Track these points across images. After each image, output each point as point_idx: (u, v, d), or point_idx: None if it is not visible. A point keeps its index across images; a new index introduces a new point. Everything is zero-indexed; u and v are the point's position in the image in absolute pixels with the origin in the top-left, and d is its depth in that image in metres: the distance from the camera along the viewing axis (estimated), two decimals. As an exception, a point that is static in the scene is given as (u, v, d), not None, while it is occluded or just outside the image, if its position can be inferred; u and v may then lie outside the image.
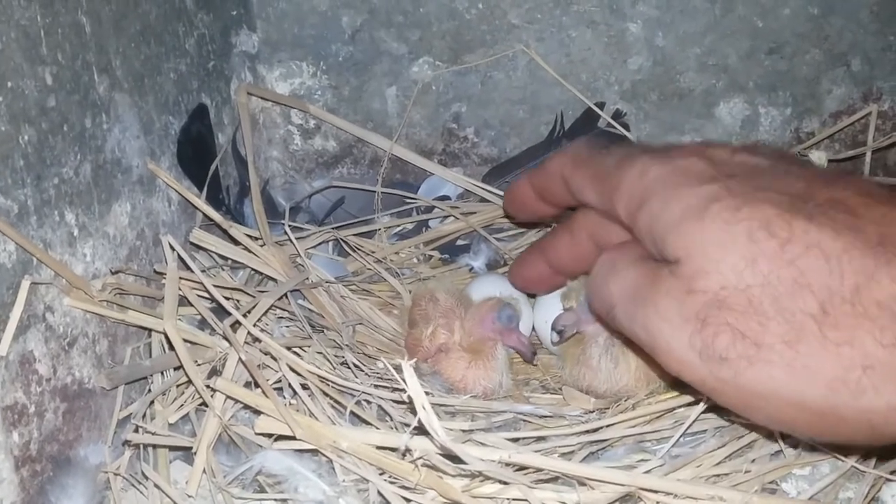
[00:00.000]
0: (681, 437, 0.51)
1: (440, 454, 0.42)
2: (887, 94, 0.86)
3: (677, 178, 0.41)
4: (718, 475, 0.48)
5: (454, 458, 0.41)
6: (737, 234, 0.36)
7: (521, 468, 0.46)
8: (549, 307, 0.69)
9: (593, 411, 0.60)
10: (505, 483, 0.44)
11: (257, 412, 0.49)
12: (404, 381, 0.34)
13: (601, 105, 0.85)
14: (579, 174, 0.51)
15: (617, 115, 0.85)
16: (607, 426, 0.53)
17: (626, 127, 0.85)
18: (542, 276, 0.64)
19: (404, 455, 0.45)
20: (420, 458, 0.43)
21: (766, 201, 0.37)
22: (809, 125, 0.86)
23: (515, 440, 0.51)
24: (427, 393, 0.61)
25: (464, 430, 0.49)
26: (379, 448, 0.46)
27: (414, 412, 0.35)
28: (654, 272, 0.40)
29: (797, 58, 0.84)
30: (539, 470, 0.46)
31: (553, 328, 0.65)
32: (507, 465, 0.44)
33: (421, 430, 0.36)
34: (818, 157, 0.54)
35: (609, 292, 0.43)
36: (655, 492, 0.45)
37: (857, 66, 0.84)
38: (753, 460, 0.50)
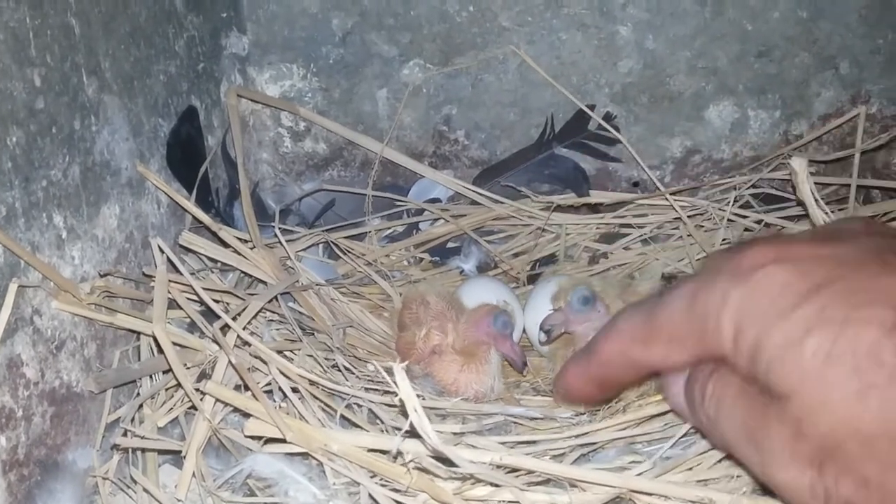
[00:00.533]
0: (671, 438, 0.51)
1: (432, 457, 0.42)
2: (875, 97, 0.86)
3: (764, 302, 0.37)
4: (709, 479, 0.48)
5: (446, 461, 0.41)
6: (841, 368, 0.33)
7: (513, 470, 0.46)
8: (540, 310, 0.69)
9: (584, 413, 0.60)
10: (496, 486, 0.44)
11: (247, 415, 0.49)
12: (396, 384, 0.34)
13: (591, 107, 0.85)
14: (654, 345, 0.44)
15: (607, 118, 0.85)
16: (598, 430, 0.53)
17: (617, 129, 0.85)
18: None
19: (396, 458, 0.45)
20: (412, 461, 0.43)
21: (867, 322, 0.33)
22: (798, 128, 0.87)
23: (507, 443, 0.51)
24: (418, 395, 0.61)
25: (455, 433, 0.49)
26: (370, 451, 0.46)
27: (405, 415, 0.34)
28: (763, 412, 0.37)
29: (786, 61, 0.84)
30: (530, 472, 0.46)
31: (541, 328, 0.65)
32: (499, 467, 0.44)
33: (412, 434, 0.35)
34: (798, 163, 0.53)
35: (721, 433, 0.41)
36: (646, 494, 0.45)
37: (846, 70, 0.85)
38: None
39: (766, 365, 0.36)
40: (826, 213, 0.55)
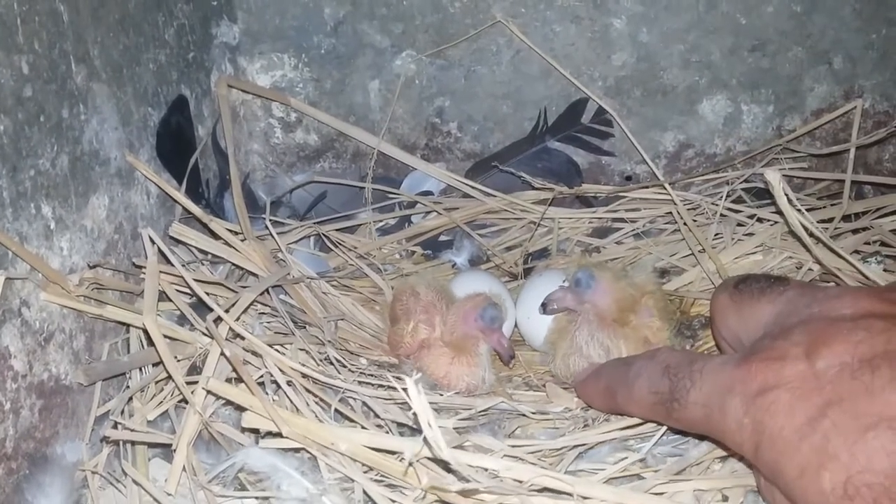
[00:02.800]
0: (663, 435, 0.51)
1: (441, 465, 0.42)
2: (868, 92, 0.86)
3: (775, 428, 0.38)
4: (709, 488, 0.48)
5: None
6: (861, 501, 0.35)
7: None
8: (532, 304, 0.69)
9: (575, 409, 0.60)
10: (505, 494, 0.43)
11: (239, 409, 0.49)
12: (409, 397, 0.33)
13: (585, 101, 0.84)
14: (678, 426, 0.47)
15: (599, 114, 0.85)
16: (595, 430, 0.53)
17: (609, 124, 0.85)
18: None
19: (409, 466, 0.44)
20: (425, 475, 0.42)
21: (876, 453, 0.35)
22: (791, 122, 0.87)
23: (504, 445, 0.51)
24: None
25: (454, 429, 0.49)
26: (377, 451, 0.45)
27: (403, 411, 0.34)
28: None
29: (780, 55, 0.84)
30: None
31: (543, 308, 0.66)
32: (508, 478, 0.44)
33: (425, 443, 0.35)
34: (773, 175, 0.52)
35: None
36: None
37: (839, 64, 0.85)
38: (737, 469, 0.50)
39: (787, 490, 0.38)
40: (808, 225, 0.55)
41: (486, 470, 0.44)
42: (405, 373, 0.64)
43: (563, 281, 0.66)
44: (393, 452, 0.45)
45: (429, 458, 0.43)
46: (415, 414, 0.33)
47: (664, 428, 0.51)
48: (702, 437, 0.49)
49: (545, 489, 0.44)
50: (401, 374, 0.64)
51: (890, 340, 0.37)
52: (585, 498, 0.43)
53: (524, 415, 0.58)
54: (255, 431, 0.48)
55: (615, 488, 0.44)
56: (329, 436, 0.46)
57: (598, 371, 0.57)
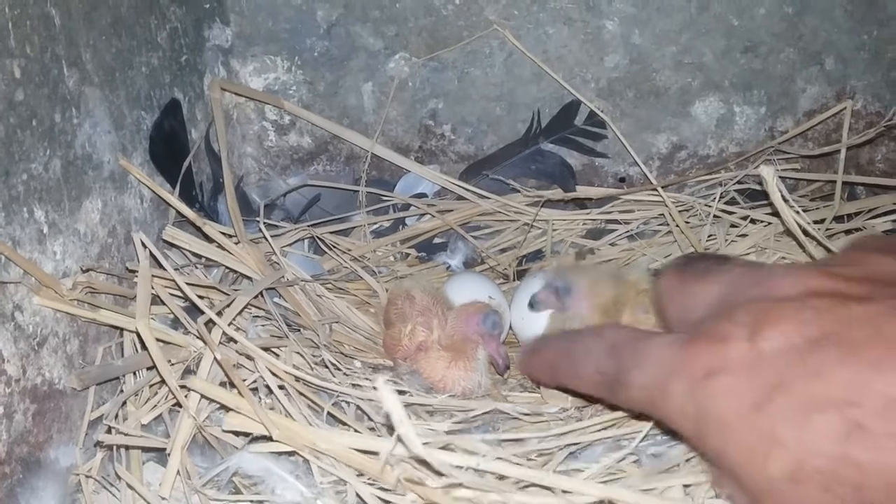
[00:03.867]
0: (651, 430, 0.51)
1: (420, 463, 0.42)
2: (860, 93, 0.86)
3: (719, 411, 0.37)
4: (693, 484, 0.48)
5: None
6: (809, 485, 0.35)
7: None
8: (526, 306, 0.69)
9: (570, 409, 0.60)
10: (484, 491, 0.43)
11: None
12: (380, 394, 0.33)
13: (578, 103, 0.85)
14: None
15: (592, 116, 0.85)
16: (584, 429, 0.53)
17: (602, 125, 0.85)
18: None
19: (384, 465, 0.44)
20: (399, 465, 0.42)
21: (825, 437, 0.34)
22: (783, 123, 0.87)
23: (495, 444, 0.51)
24: (406, 392, 0.60)
25: (446, 432, 0.49)
26: (359, 451, 0.45)
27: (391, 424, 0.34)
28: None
29: (772, 56, 0.84)
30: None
31: (530, 306, 0.67)
32: (485, 473, 0.44)
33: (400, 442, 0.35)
34: (767, 172, 0.52)
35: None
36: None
37: (831, 65, 0.85)
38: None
39: (733, 476, 0.37)
40: (802, 222, 0.56)
41: (465, 468, 0.44)
42: (401, 375, 0.64)
43: (545, 285, 0.67)
44: (375, 453, 0.45)
45: (413, 459, 0.43)
46: (387, 414, 0.33)
47: (650, 424, 0.51)
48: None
49: (531, 485, 0.44)
50: (396, 377, 0.64)
51: (837, 319, 0.35)
52: (566, 492, 0.43)
53: (518, 416, 0.58)
54: (240, 434, 0.48)
55: (598, 484, 0.44)
56: (310, 436, 0.46)
57: (544, 345, 0.55)
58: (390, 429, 0.51)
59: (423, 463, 0.40)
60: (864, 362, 0.33)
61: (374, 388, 0.34)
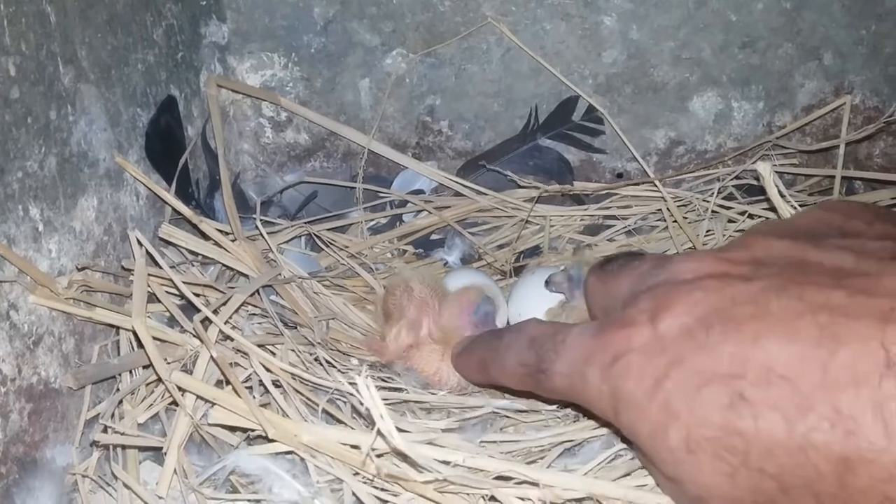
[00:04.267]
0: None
1: (403, 458, 0.42)
2: (858, 88, 0.86)
3: (627, 391, 0.41)
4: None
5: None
6: (703, 455, 0.38)
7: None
8: (524, 301, 0.69)
9: (568, 406, 0.60)
10: (467, 486, 0.44)
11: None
12: (359, 391, 0.34)
13: (576, 98, 0.84)
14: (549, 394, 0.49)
15: (589, 112, 0.85)
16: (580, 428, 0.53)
17: (599, 121, 0.85)
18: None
19: (366, 458, 0.44)
20: (381, 457, 0.43)
21: (710, 408, 0.38)
22: (782, 119, 0.87)
23: (488, 442, 0.51)
24: (401, 390, 0.60)
25: (442, 430, 0.49)
26: (344, 445, 0.45)
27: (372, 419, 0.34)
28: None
29: (770, 52, 0.84)
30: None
31: (546, 283, 0.67)
32: (471, 468, 0.44)
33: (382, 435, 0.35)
34: (764, 168, 0.52)
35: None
36: (609, 498, 0.45)
37: (829, 60, 0.85)
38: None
39: (646, 451, 0.40)
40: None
41: (451, 464, 0.44)
42: (396, 372, 0.64)
43: (562, 268, 0.68)
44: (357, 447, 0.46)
45: (396, 454, 0.43)
46: (367, 409, 0.33)
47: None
48: None
49: (521, 482, 0.44)
50: (391, 374, 0.64)
51: (722, 298, 0.38)
52: (550, 486, 0.43)
53: (512, 416, 0.58)
54: (236, 430, 0.48)
55: (582, 478, 0.45)
56: (293, 429, 0.46)
57: (472, 345, 0.59)
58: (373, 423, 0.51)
59: (407, 458, 0.40)
60: (746, 337, 0.36)
61: (353, 383, 0.34)
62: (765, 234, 0.43)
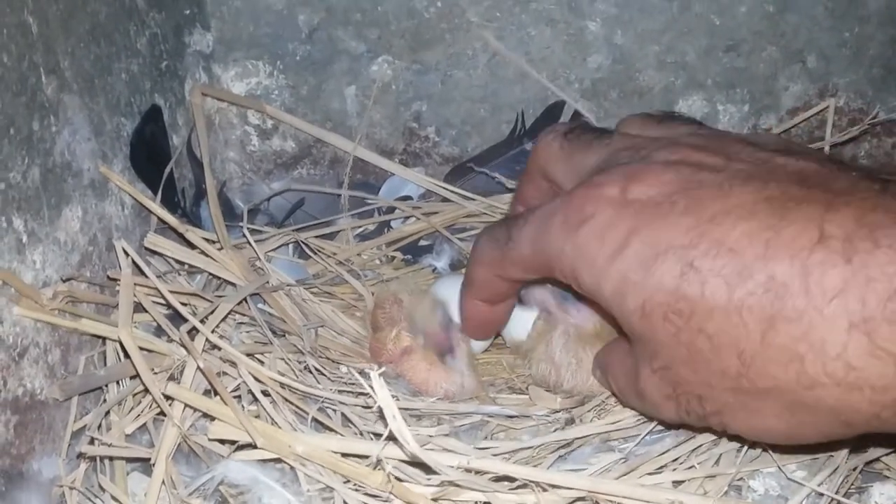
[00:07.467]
0: (647, 434, 0.51)
1: (410, 463, 0.42)
2: (842, 90, 0.87)
3: (590, 254, 0.44)
4: (683, 480, 0.48)
5: (424, 467, 0.41)
6: (656, 317, 0.42)
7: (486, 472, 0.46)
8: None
9: (559, 411, 0.60)
10: (480, 491, 0.43)
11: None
12: (373, 389, 0.33)
13: (562, 103, 0.84)
14: (514, 272, 0.52)
15: (576, 117, 0.85)
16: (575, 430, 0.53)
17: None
18: None
19: (376, 465, 0.44)
20: (389, 466, 0.42)
21: (664, 276, 0.41)
22: (767, 121, 0.87)
23: (485, 447, 0.51)
24: (393, 396, 0.60)
25: (431, 436, 0.49)
26: (344, 455, 0.45)
27: (383, 419, 0.34)
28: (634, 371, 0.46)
29: (754, 55, 0.84)
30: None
31: (519, 300, 0.65)
32: (477, 472, 0.44)
33: (390, 439, 0.35)
34: None
35: (613, 389, 0.54)
36: (613, 496, 0.45)
37: (813, 63, 0.85)
38: (720, 456, 0.50)
39: (608, 306, 0.44)
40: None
41: (457, 467, 0.44)
42: (387, 380, 0.64)
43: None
44: (360, 456, 0.45)
45: (402, 461, 0.43)
46: (380, 408, 0.33)
47: (651, 426, 0.51)
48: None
49: (521, 486, 0.44)
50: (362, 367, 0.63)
51: (691, 181, 0.41)
52: (553, 486, 0.43)
53: (503, 422, 0.58)
54: (225, 442, 0.48)
55: (585, 477, 0.45)
56: (292, 440, 0.46)
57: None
58: (376, 436, 0.51)
59: (412, 464, 0.40)
60: (705, 214, 0.39)
61: (364, 377, 0.34)
62: (745, 139, 0.45)
